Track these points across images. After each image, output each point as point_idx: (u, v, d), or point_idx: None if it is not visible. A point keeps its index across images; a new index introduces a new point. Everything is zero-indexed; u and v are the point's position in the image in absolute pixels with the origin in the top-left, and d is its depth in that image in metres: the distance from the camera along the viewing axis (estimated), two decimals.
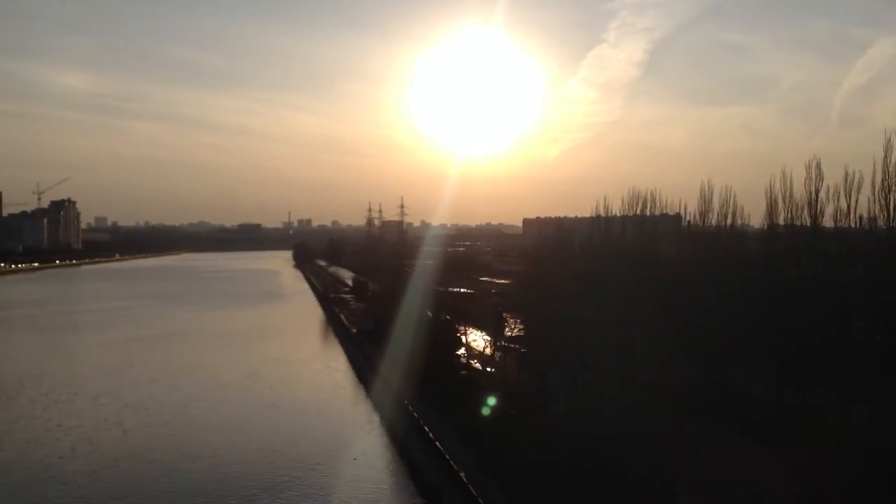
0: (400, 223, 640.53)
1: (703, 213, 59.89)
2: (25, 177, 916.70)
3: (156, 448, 52.65)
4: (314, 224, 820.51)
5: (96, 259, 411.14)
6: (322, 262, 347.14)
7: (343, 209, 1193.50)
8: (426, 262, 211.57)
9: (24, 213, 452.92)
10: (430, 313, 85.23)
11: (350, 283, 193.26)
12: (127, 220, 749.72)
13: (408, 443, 50.31)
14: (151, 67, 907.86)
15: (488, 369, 66.94)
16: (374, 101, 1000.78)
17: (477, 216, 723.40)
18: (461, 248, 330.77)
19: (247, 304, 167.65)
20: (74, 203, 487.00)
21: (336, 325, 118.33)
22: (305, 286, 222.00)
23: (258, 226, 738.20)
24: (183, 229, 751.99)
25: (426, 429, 48.25)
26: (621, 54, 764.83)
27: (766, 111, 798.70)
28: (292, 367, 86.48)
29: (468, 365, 68.90)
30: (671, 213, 70.86)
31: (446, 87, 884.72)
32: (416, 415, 52.51)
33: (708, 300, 49.98)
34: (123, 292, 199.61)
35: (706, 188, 59.71)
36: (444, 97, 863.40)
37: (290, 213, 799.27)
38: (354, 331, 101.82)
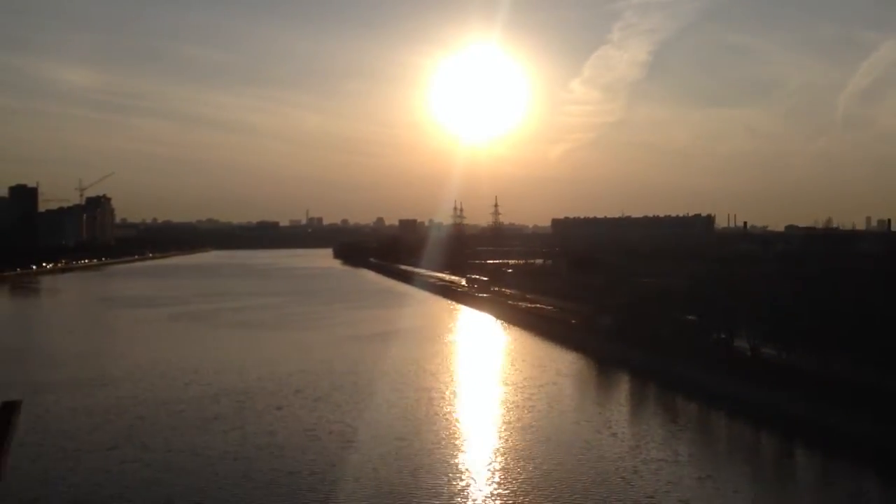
0: (413, 221, 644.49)
1: None
2: (28, 173, 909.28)
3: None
4: (325, 222, 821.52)
5: (146, 256, 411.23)
6: (374, 260, 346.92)
7: (351, 208, 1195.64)
8: (534, 261, 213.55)
9: (61, 210, 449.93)
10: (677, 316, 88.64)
11: (464, 282, 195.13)
12: (133, 216, 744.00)
13: None
14: (155, 65, 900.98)
15: None
16: (378, 101, 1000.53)
17: (481, 216, 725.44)
18: (516, 248, 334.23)
19: (391, 303, 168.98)
20: (109, 200, 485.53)
21: (543, 324, 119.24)
22: (406, 286, 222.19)
23: (276, 224, 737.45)
24: (196, 227, 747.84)
25: None
26: (625, 55, 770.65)
27: (770, 113, 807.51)
28: (584, 365, 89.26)
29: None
30: None
31: (451, 88, 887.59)
32: None
33: None
34: (239, 289, 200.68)
35: None
36: (449, 97, 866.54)
37: (307, 212, 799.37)
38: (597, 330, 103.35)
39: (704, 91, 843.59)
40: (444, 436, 57.26)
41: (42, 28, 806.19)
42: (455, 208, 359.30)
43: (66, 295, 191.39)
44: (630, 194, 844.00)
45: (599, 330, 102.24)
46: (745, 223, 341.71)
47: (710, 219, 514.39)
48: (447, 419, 62.62)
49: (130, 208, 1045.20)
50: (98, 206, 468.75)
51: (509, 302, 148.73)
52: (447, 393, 72.89)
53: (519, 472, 48.07)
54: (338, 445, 54.51)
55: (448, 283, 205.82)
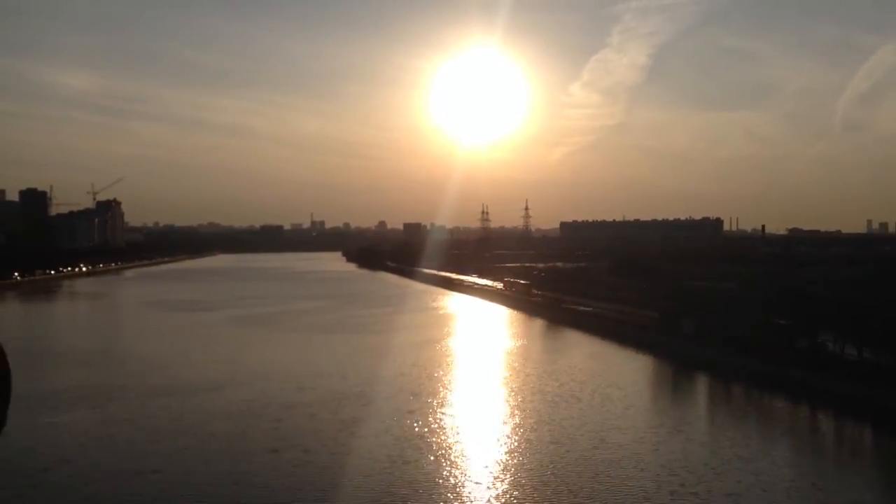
0: (418, 225, 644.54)
1: None
2: (26, 177, 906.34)
3: None
4: (327, 226, 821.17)
5: (159, 260, 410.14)
6: (391, 264, 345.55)
7: (352, 211, 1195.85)
8: (557, 265, 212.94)
9: (72, 214, 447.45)
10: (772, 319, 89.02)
11: (500, 286, 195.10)
12: (135, 220, 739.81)
13: None
14: (154, 68, 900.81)
15: None
16: (378, 104, 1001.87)
17: (478, 218, 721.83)
18: (531, 252, 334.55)
19: (438, 307, 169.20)
20: (120, 204, 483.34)
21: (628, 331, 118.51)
22: (440, 289, 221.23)
23: (279, 227, 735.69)
24: (198, 231, 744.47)
25: None
26: (624, 59, 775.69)
27: (769, 116, 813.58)
28: (682, 369, 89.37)
29: None
30: None
31: (450, 91, 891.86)
32: None
33: None
34: (276, 293, 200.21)
35: None
36: (449, 101, 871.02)
37: (311, 215, 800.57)
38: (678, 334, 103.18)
39: (703, 94, 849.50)
40: (602, 439, 56.97)
41: (40, 31, 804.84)
42: (482, 212, 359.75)
43: (110, 299, 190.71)
44: (630, 197, 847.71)
45: (680, 333, 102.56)
46: (763, 227, 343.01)
47: (718, 222, 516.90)
48: (594, 423, 62.17)
49: (132, 212, 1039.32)
50: (109, 210, 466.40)
51: (563, 306, 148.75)
52: (567, 396, 72.49)
53: (714, 482, 48.30)
54: (504, 449, 54.10)
55: (483, 287, 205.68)
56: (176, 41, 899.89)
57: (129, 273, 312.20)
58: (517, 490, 45.71)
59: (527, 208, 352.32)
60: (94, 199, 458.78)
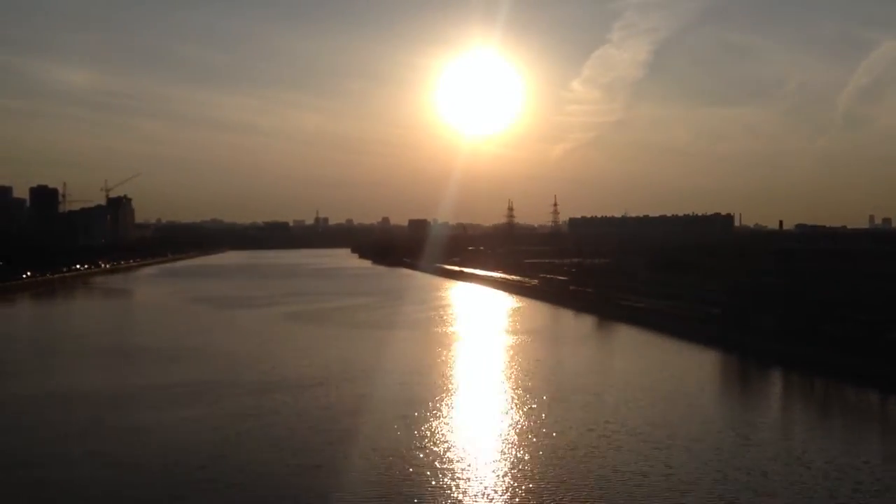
0: (424, 221, 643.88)
1: None
2: (24, 174, 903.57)
3: None
4: (331, 222, 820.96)
5: (176, 256, 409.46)
6: (408, 260, 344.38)
7: (354, 207, 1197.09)
8: (601, 261, 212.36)
9: (84, 210, 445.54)
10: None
11: (535, 282, 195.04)
12: (138, 217, 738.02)
13: None
14: (155, 66, 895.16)
15: None
16: (380, 101, 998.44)
17: (480, 215, 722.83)
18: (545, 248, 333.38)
19: (482, 304, 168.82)
20: (130, 200, 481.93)
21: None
22: (473, 285, 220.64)
23: (286, 224, 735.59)
24: (202, 227, 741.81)
25: None
26: (625, 54, 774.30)
27: (771, 112, 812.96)
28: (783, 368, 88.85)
29: None
30: None
31: (452, 88, 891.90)
32: None
33: None
34: (313, 289, 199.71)
35: None
36: (450, 98, 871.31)
37: (317, 212, 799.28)
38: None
39: (704, 90, 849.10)
40: (745, 437, 56.18)
41: (43, 29, 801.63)
42: (508, 208, 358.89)
43: (153, 296, 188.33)
44: (631, 194, 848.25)
45: (752, 329, 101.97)
46: (781, 223, 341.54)
47: (728, 218, 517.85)
48: (722, 420, 61.84)
49: (136, 209, 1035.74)
50: (120, 206, 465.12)
51: (613, 302, 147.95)
52: (677, 394, 71.79)
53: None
54: (650, 446, 52.95)
55: (517, 283, 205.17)
56: (179, 39, 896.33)
57: (149, 270, 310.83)
58: (692, 491, 44.93)
59: (555, 204, 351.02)
60: (107, 195, 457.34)
